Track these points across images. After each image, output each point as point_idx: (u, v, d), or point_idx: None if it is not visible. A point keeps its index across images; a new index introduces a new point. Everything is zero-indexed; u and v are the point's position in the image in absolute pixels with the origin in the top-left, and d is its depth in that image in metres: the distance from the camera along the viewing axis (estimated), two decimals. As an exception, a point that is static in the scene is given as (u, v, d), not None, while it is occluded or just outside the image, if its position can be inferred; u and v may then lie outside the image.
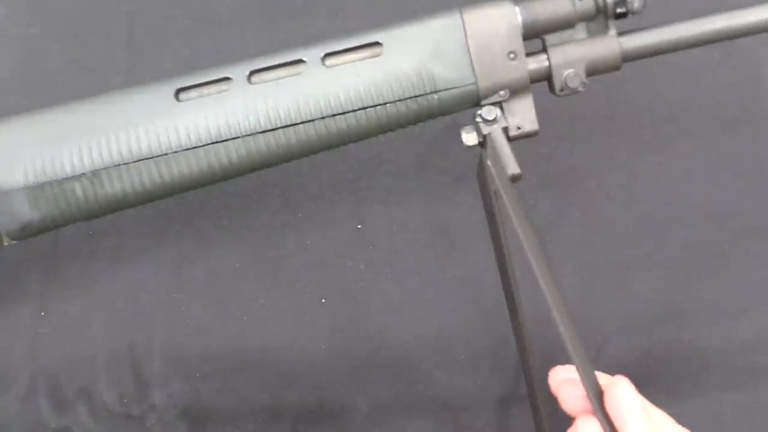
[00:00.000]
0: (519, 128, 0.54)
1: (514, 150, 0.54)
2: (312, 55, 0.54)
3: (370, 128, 0.55)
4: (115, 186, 0.56)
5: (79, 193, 0.56)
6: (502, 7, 0.53)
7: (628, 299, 0.77)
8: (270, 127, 0.54)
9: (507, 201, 0.52)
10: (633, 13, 0.54)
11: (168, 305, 0.77)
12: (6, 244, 0.58)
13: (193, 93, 0.55)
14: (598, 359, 0.76)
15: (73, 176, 0.55)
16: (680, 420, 0.74)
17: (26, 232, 0.57)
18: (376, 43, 0.54)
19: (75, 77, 0.83)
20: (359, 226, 0.79)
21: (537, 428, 0.73)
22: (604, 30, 0.54)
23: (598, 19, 0.54)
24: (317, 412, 0.74)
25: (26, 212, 0.56)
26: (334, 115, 0.54)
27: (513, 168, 0.52)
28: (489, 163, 0.54)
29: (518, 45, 0.53)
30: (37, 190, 0.55)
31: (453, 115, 0.58)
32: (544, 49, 0.55)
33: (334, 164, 0.81)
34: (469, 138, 0.55)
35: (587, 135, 0.82)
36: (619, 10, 0.53)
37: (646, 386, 0.75)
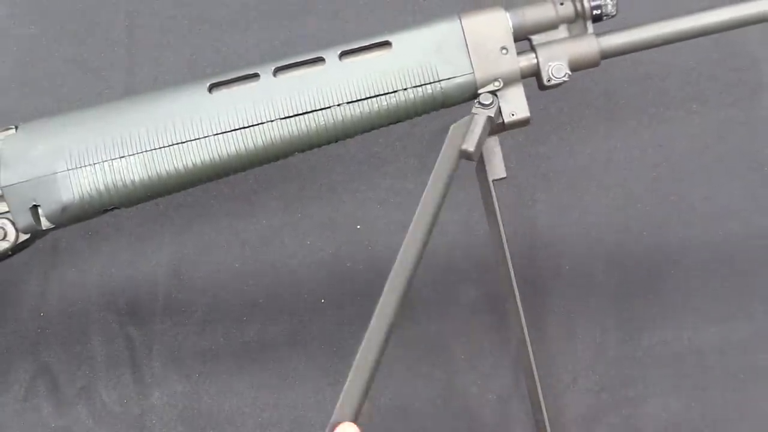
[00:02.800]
0: (513, 114, 0.60)
1: (484, 138, 0.59)
2: (330, 53, 0.60)
3: (381, 116, 0.61)
4: (150, 170, 0.60)
5: (117, 176, 0.60)
6: (495, 12, 0.60)
7: (627, 298, 0.77)
8: (293, 113, 0.60)
9: (439, 170, 0.57)
10: (607, 16, 0.61)
11: (168, 306, 0.77)
12: (44, 228, 0.62)
13: (224, 88, 0.61)
14: (596, 359, 0.76)
15: (111, 159, 0.60)
16: (681, 420, 0.74)
17: (66, 215, 0.61)
18: (387, 43, 0.60)
19: (75, 77, 0.83)
20: (358, 227, 0.79)
21: (536, 425, 0.73)
22: (584, 31, 0.61)
23: (578, 21, 0.61)
24: (317, 413, 0.74)
25: (66, 193, 0.60)
26: (349, 102, 0.60)
27: (469, 144, 0.57)
28: (449, 138, 0.59)
29: (509, 42, 0.60)
30: (78, 171, 0.60)
31: (451, 117, 0.61)
32: (532, 49, 0.61)
33: (333, 166, 0.81)
34: None
35: (587, 136, 0.82)
36: (595, 13, 0.60)
37: (646, 386, 0.75)
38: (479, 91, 0.60)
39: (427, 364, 0.76)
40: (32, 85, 0.83)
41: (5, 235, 0.62)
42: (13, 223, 0.61)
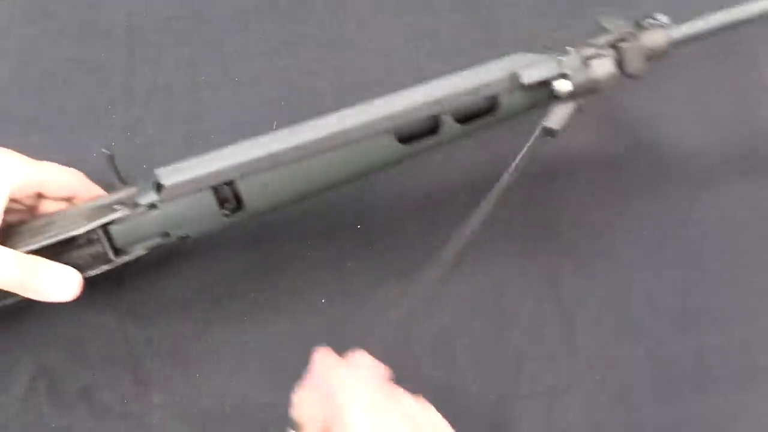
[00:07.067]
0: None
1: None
2: None
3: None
4: None
5: None
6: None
7: (627, 300, 0.77)
8: None
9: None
10: None
11: (168, 305, 0.77)
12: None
13: None
14: (597, 361, 0.76)
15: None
16: (681, 420, 0.74)
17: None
18: None
19: (75, 77, 0.83)
20: (359, 227, 0.79)
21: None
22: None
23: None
24: (317, 412, 0.74)
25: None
26: None
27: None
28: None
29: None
30: None
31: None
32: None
33: (334, 164, 0.81)
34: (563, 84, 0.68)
35: (586, 136, 0.82)
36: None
37: (647, 387, 0.75)
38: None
39: (427, 364, 0.76)
40: (32, 85, 0.83)
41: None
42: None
